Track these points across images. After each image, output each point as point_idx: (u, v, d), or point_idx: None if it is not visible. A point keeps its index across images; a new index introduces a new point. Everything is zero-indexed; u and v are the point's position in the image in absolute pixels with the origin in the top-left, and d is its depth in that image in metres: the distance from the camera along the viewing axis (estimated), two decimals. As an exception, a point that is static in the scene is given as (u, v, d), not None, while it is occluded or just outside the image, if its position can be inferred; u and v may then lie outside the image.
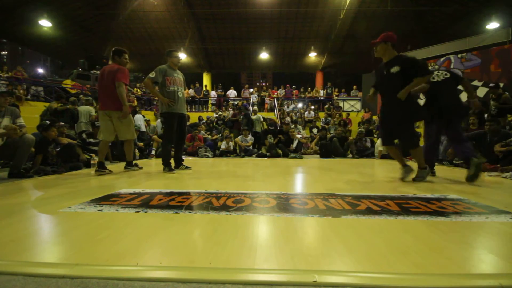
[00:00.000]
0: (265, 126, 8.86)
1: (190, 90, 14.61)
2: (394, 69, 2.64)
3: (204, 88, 15.26)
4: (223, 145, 7.42)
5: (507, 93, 6.64)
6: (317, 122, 11.76)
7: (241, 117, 9.01)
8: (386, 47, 2.76)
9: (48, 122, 3.69)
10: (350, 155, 7.27)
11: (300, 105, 14.48)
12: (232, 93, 15.02)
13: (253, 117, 8.92)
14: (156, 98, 13.93)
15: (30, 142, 3.10)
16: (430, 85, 3.02)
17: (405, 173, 2.80)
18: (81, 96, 7.68)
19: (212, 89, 15.75)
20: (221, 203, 1.75)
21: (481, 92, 8.71)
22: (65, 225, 1.34)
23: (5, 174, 3.05)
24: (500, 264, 0.93)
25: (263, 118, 9.39)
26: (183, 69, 3.83)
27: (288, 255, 0.97)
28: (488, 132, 4.05)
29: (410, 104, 2.69)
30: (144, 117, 10.13)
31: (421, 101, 3.24)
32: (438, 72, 3.15)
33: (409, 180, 2.74)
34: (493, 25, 11.99)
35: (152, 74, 3.51)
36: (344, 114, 11.86)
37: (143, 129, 8.14)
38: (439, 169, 3.66)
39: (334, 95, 14.50)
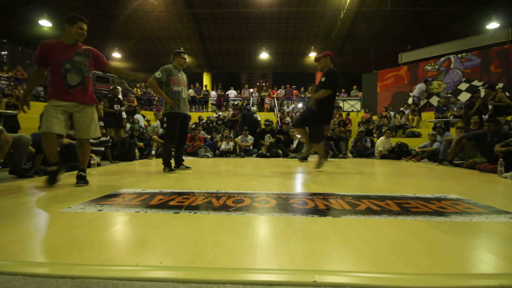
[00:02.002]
0: (263, 126, 8.85)
1: (190, 90, 14.61)
2: (322, 79, 3.53)
3: (204, 88, 15.26)
4: (223, 145, 7.42)
5: (506, 93, 6.66)
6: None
7: (239, 117, 9.02)
8: (327, 61, 3.57)
9: None
10: (351, 155, 7.28)
11: (300, 105, 14.48)
12: (232, 93, 15.03)
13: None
14: (157, 98, 14.02)
15: (26, 142, 3.11)
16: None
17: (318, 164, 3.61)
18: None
19: (212, 89, 15.75)
20: (221, 203, 1.75)
21: (481, 92, 8.72)
22: (65, 225, 1.33)
23: (6, 174, 3.06)
24: (500, 264, 0.93)
25: (267, 121, 9.37)
26: (183, 69, 3.83)
27: (288, 255, 0.97)
28: (488, 132, 4.05)
29: (324, 108, 3.58)
30: (144, 117, 10.16)
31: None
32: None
33: (403, 180, 2.72)
34: (493, 25, 11.99)
35: (158, 74, 3.51)
36: (344, 114, 11.86)
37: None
38: (439, 169, 3.66)
39: (334, 95, 14.49)
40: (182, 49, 4.58)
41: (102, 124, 5.22)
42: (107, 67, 2.75)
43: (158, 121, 9.76)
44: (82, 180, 2.49)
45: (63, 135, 2.51)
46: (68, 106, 2.43)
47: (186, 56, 3.78)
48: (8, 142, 2.98)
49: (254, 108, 10.67)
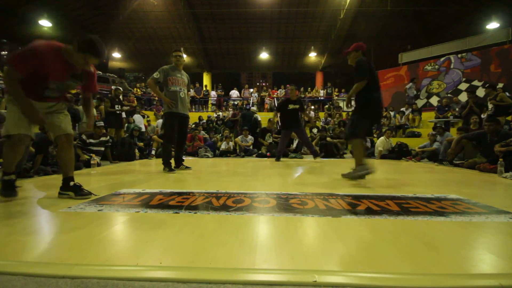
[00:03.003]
0: (264, 125, 8.85)
1: (191, 91, 14.62)
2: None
3: (204, 88, 15.26)
4: (223, 145, 7.42)
5: (507, 93, 6.66)
6: (317, 122, 11.76)
7: (239, 117, 9.02)
8: (357, 55, 3.06)
9: None
10: (351, 155, 7.27)
11: (300, 105, 14.46)
12: (234, 93, 15.03)
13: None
14: (157, 98, 14.02)
15: (26, 142, 3.09)
16: None
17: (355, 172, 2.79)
18: (81, 96, 7.66)
19: (212, 89, 15.75)
20: (221, 203, 1.75)
21: (481, 92, 8.72)
22: (65, 225, 1.34)
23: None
24: (500, 264, 0.93)
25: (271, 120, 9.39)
26: (183, 69, 3.82)
27: (288, 255, 0.97)
28: (488, 132, 4.05)
29: (360, 101, 2.96)
30: (147, 116, 10.15)
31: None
32: None
33: (403, 180, 2.72)
34: (493, 25, 11.98)
35: (156, 75, 3.53)
36: (344, 114, 11.85)
37: (142, 128, 8.14)
38: (439, 169, 3.65)
39: (334, 95, 14.50)
40: (182, 49, 4.55)
41: (103, 124, 5.21)
42: (88, 96, 2.26)
43: (158, 121, 9.76)
44: (81, 191, 1.93)
45: (32, 137, 2.02)
46: (39, 105, 1.96)
47: (179, 53, 3.70)
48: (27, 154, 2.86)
49: (254, 108, 10.67)
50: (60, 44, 1.89)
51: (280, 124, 5.93)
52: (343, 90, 14.86)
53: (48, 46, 1.82)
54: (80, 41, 1.81)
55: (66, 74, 1.93)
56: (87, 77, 2.08)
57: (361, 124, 2.83)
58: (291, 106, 5.44)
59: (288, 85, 5.83)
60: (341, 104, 13.55)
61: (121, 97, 7.23)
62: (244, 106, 11.82)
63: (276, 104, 13.14)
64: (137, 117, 8.56)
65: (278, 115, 5.94)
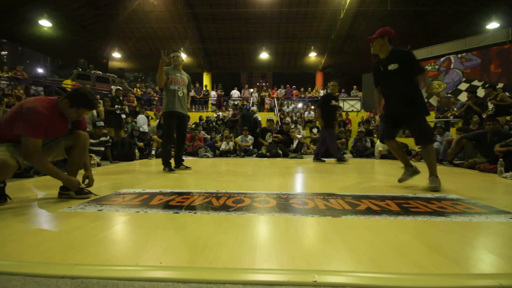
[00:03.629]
0: (264, 125, 8.85)
1: (191, 90, 14.62)
2: (392, 67, 2.50)
3: (204, 88, 15.27)
4: (223, 145, 7.42)
5: (507, 93, 6.67)
6: (317, 122, 11.75)
7: (239, 117, 9.02)
8: (383, 43, 2.63)
9: None
10: (351, 156, 7.28)
11: (300, 105, 14.48)
12: (235, 93, 15.05)
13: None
14: (156, 98, 14.01)
15: None
16: None
17: (407, 175, 2.61)
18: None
19: (212, 89, 15.76)
20: (221, 203, 1.75)
21: (481, 92, 8.72)
22: (65, 225, 1.33)
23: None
24: (500, 264, 0.93)
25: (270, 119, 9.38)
26: (183, 69, 3.83)
27: (288, 255, 0.97)
28: (488, 131, 4.05)
29: (421, 98, 2.51)
30: (151, 118, 10.13)
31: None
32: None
33: (408, 183, 2.72)
34: (493, 25, 11.99)
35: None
36: (343, 114, 11.86)
37: (145, 129, 8.13)
38: (439, 169, 3.64)
39: (334, 95, 14.49)
40: (182, 48, 4.55)
41: (103, 124, 5.21)
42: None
43: (158, 121, 9.76)
44: (81, 191, 1.93)
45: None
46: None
47: (176, 54, 3.71)
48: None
49: (254, 108, 10.67)
50: (53, 99, 1.84)
51: (322, 121, 5.17)
52: (343, 90, 14.85)
53: (46, 105, 1.75)
54: (71, 97, 1.79)
55: (64, 130, 1.92)
56: (78, 121, 2.02)
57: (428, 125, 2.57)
58: (333, 102, 5.16)
59: (331, 81, 5.46)
60: (341, 104, 13.54)
61: (121, 97, 7.24)
62: (244, 106, 11.81)
63: (275, 104, 13.16)
64: (141, 117, 8.55)
65: (318, 111, 5.38)
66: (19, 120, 1.67)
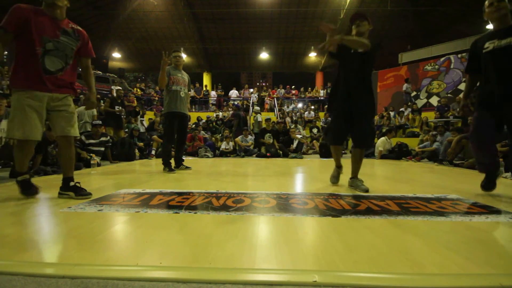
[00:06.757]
0: (263, 125, 8.86)
1: (191, 91, 14.62)
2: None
3: (204, 88, 15.27)
4: (223, 145, 7.42)
5: None
6: (317, 122, 11.76)
7: (233, 119, 9.06)
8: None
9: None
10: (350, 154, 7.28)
11: (300, 105, 14.48)
12: (234, 93, 15.05)
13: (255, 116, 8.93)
14: (156, 98, 14.01)
15: None
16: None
17: (337, 174, 2.57)
18: (81, 96, 7.66)
19: (212, 89, 15.75)
20: (221, 203, 1.75)
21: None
22: (65, 225, 1.33)
23: (6, 174, 3.05)
24: (500, 264, 0.93)
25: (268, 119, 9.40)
26: (183, 69, 3.84)
27: (288, 255, 0.97)
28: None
29: (372, 94, 2.32)
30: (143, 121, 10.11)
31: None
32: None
33: (403, 180, 2.72)
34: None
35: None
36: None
37: (142, 129, 8.13)
38: (439, 169, 3.65)
39: (334, 95, 14.49)
40: (182, 49, 4.55)
41: (100, 123, 5.22)
42: (86, 62, 2.15)
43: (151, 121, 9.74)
44: (81, 191, 1.93)
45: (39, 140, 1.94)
46: (44, 99, 1.86)
47: (178, 54, 3.73)
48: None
49: (257, 108, 10.66)
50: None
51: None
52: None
53: (28, 5, 1.83)
54: None
55: (56, 30, 1.89)
56: (81, 36, 2.06)
57: None
58: None
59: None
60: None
61: (122, 98, 7.24)
62: (237, 105, 11.80)
63: (276, 104, 13.16)
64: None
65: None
66: None
